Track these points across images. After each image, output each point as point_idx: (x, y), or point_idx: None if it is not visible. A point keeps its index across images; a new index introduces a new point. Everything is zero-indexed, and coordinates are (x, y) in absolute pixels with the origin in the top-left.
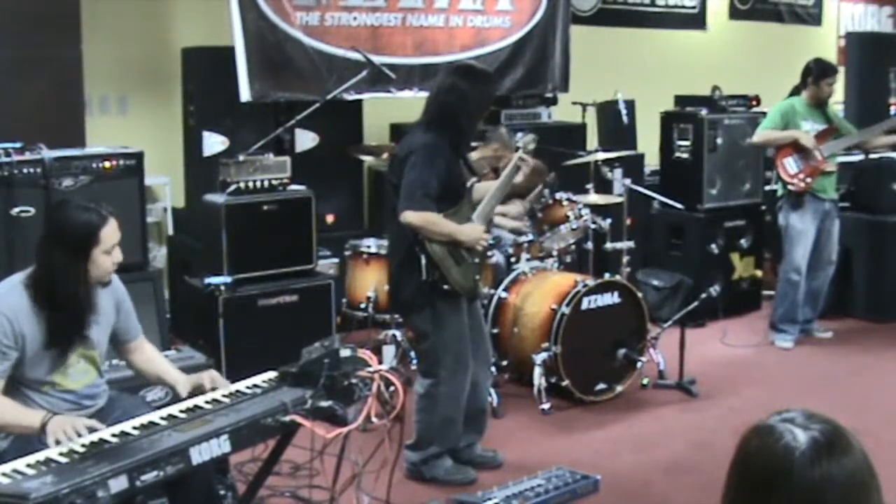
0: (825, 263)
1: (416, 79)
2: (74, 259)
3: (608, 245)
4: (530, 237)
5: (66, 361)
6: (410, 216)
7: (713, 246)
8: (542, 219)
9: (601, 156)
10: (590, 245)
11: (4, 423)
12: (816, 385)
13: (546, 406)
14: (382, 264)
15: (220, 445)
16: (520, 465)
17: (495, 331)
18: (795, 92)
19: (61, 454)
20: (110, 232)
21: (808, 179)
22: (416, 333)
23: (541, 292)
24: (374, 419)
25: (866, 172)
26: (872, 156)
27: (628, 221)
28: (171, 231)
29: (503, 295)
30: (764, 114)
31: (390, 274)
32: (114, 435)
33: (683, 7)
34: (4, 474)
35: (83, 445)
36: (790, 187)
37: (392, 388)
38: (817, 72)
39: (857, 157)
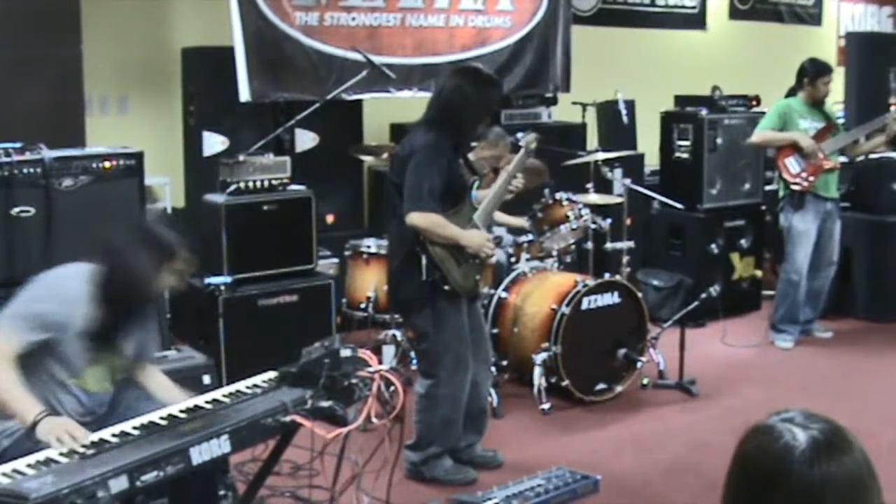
0: (826, 264)
1: (416, 79)
2: (153, 265)
3: (608, 245)
4: (530, 237)
5: (99, 363)
6: (415, 218)
7: (713, 246)
8: (542, 219)
9: (601, 156)
10: (590, 245)
11: (1, 398)
12: (816, 385)
13: (546, 406)
14: (382, 264)
15: (220, 445)
16: (520, 465)
17: (495, 331)
18: (792, 93)
19: (61, 454)
20: (183, 254)
21: (811, 178)
22: (416, 334)
23: (541, 292)
24: (374, 419)
25: (866, 172)
26: (872, 156)
27: (628, 221)
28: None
29: (503, 295)
30: (763, 114)
31: (390, 274)
32: (114, 435)
33: (683, 7)
34: (4, 474)
35: (83, 446)
36: (794, 187)
37: (392, 388)
38: (813, 72)
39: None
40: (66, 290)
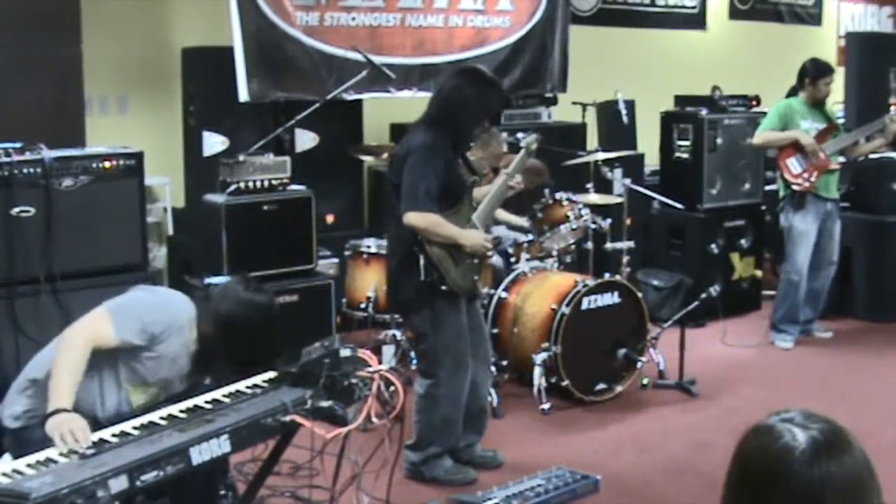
0: (826, 264)
1: (416, 79)
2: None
3: (608, 245)
4: (530, 237)
5: (150, 387)
6: (413, 218)
7: (713, 246)
8: (542, 219)
9: (601, 156)
10: (590, 245)
11: (57, 373)
12: (816, 385)
13: (546, 406)
14: (382, 264)
15: (220, 445)
16: (520, 465)
17: (495, 331)
18: (793, 93)
19: (61, 454)
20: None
21: (813, 178)
22: (415, 334)
23: (541, 292)
24: (374, 419)
25: (866, 172)
26: (872, 156)
27: (628, 221)
28: (171, 231)
29: (503, 295)
30: (764, 114)
31: (389, 274)
32: (114, 435)
33: (683, 7)
34: (4, 474)
35: (83, 445)
36: (795, 187)
37: (392, 388)
38: (814, 72)
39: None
40: (176, 315)
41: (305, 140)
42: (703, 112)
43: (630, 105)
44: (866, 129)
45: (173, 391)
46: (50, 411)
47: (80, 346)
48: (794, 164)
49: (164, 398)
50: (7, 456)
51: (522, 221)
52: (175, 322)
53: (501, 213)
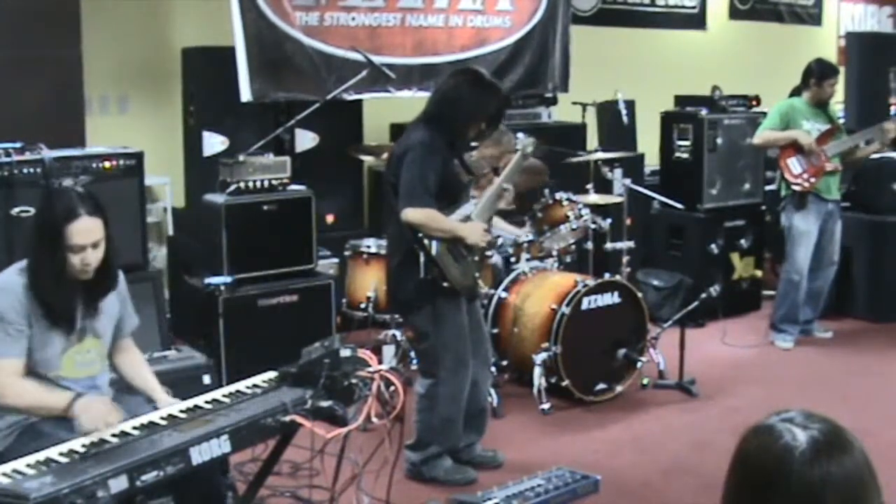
0: (827, 264)
1: (416, 79)
2: (48, 247)
3: (608, 245)
4: (530, 237)
5: (72, 349)
6: (411, 213)
7: (713, 246)
8: (542, 219)
9: (601, 156)
10: (590, 245)
11: (29, 404)
12: (816, 385)
13: (546, 406)
14: (382, 264)
15: (220, 445)
16: (520, 465)
17: (495, 331)
18: (796, 93)
19: (61, 454)
20: (76, 230)
21: (812, 179)
22: (415, 333)
23: (541, 292)
24: (374, 419)
25: (866, 172)
26: (873, 156)
27: (628, 221)
28: (171, 231)
29: (503, 295)
30: (764, 114)
31: (389, 273)
32: (114, 435)
33: (683, 7)
34: (4, 474)
35: (83, 445)
36: (794, 188)
37: (392, 388)
38: (819, 73)
39: None
40: (7, 285)
41: (305, 140)
42: (703, 112)
43: (630, 105)
44: (867, 132)
45: (98, 335)
46: (66, 405)
47: (9, 390)
48: (794, 165)
49: (97, 345)
50: None
51: (519, 231)
52: (6, 288)
53: (498, 222)
